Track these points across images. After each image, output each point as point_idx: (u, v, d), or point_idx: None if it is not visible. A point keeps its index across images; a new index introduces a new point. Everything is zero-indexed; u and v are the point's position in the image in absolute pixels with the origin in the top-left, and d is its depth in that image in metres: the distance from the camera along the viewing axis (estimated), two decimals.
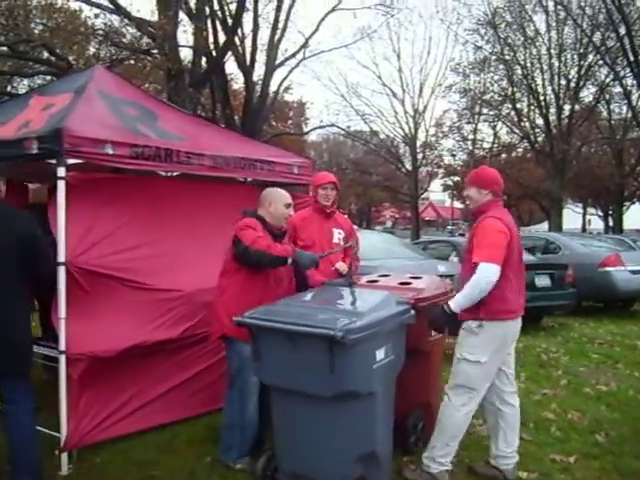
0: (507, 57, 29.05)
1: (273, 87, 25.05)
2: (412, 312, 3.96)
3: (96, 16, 15.31)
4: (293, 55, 23.43)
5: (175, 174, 5.33)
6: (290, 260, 4.21)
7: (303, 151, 41.83)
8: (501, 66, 29.86)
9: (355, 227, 6.78)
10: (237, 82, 25.90)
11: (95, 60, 16.46)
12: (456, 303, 3.96)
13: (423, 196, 49.08)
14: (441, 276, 7.56)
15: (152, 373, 4.86)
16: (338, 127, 34.24)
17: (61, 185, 4.27)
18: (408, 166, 37.72)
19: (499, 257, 3.90)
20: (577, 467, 4.46)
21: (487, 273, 3.84)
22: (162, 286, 4.92)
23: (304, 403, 3.56)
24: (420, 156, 37.38)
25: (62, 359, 4.29)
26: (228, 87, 20.87)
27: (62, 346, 4.28)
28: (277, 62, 22.50)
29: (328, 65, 61.36)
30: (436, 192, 54.16)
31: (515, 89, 29.87)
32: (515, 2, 27.96)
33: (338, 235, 5.50)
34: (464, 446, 4.73)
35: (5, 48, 14.55)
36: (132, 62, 17.29)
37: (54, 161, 4.28)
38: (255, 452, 4.29)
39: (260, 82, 22.22)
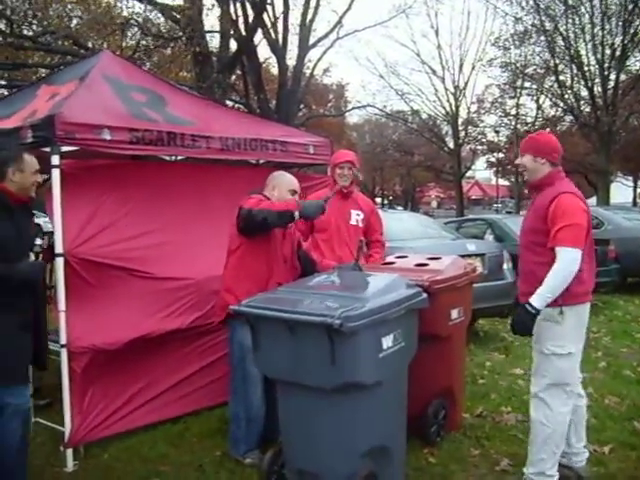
0: (548, 28, 28.11)
1: (310, 70, 24.90)
2: (424, 295, 3.69)
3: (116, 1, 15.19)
4: (326, 35, 23.04)
5: (180, 158, 5.14)
6: (297, 213, 3.92)
7: (344, 133, 41.65)
8: (542, 37, 28.84)
9: (398, 208, 6.45)
10: (274, 66, 25.70)
11: (130, 51, 16.54)
12: (540, 298, 3.47)
13: (468, 175, 48.49)
14: (470, 255, 7.35)
15: (162, 364, 4.70)
16: (375, 107, 33.85)
17: (56, 174, 4.13)
18: (450, 145, 37.11)
19: (582, 240, 3.49)
20: (612, 458, 4.13)
21: (572, 260, 3.44)
22: (169, 274, 4.76)
23: (306, 395, 3.33)
24: (462, 134, 36.69)
25: (64, 353, 4.15)
26: (262, 71, 20.61)
27: (63, 339, 4.14)
28: (310, 43, 22.14)
29: (365, 45, 60.40)
30: (480, 170, 53.43)
31: (557, 61, 28.83)
32: None
33: (356, 217, 5.24)
34: (489, 436, 4.47)
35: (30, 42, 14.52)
36: (166, 51, 17.27)
37: (48, 149, 4.13)
38: (266, 445, 4.09)
39: (294, 64, 21.94)
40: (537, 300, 3.48)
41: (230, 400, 4.21)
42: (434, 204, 68.30)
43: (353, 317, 3.09)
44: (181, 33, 13.89)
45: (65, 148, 4.21)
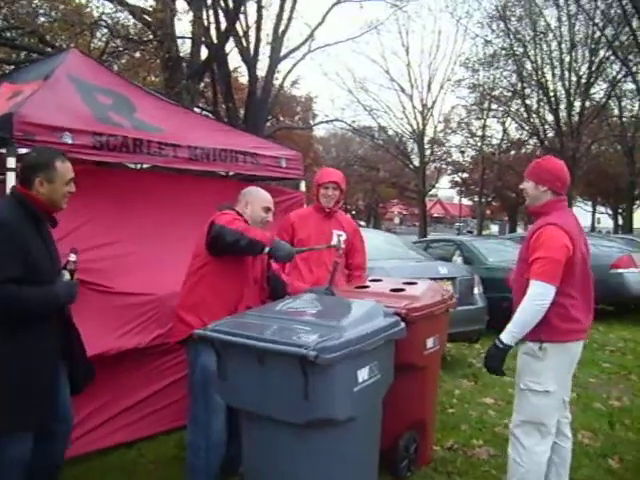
0: (517, 52, 28.42)
1: (279, 81, 24.71)
2: (402, 325, 3.47)
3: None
4: (298, 47, 22.93)
5: (146, 166, 4.88)
6: (267, 249, 3.65)
7: (311, 146, 41.47)
8: (511, 61, 29.23)
9: (362, 225, 6.25)
10: (243, 75, 25.48)
11: (98, 52, 16.19)
12: (509, 335, 3.36)
13: (431, 193, 48.74)
14: (442, 278, 7.18)
15: (117, 385, 4.40)
16: (343, 122, 33.73)
17: (11, 177, 3.83)
18: (416, 162, 37.22)
19: (555, 275, 3.32)
20: None
21: (540, 294, 3.30)
22: (129, 289, 4.47)
23: (274, 429, 3.08)
24: (428, 152, 36.91)
25: None
26: (231, 80, 20.36)
27: None
28: (282, 54, 21.98)
29: (335, 59, 60.54)
30: (444, 189, 53.74)
31: (525, 85, 29.28)
32: None
33: (338, 237, 5.01)
34: (461, 471, 4.27)
35: None
36: (134, 54, 16.98)
37: (4, 150, 3.84)
38: (229, 473, 3.84)
39: (264, 75, 21.73)
40: (505, 335, 3.39)
41: (189, 428, 3.89)
42: (397, 220, 68.73)
43: (330, 348, 2.85)
44: (152, 36, 13.55)
45: (24, 150, 3.91)
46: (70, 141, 4.09)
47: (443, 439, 4.82)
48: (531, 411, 3.47)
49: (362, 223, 55.28)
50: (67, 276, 3.22)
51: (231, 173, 5.49)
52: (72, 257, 3.27)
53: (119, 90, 5.26)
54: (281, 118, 34.82)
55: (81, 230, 4.27)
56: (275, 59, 21.32)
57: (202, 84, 20.50)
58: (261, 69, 21.82)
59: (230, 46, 19.10)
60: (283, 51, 22.11)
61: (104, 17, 15.41)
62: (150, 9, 13.49)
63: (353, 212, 62.72)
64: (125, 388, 4.44)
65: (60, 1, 16.48)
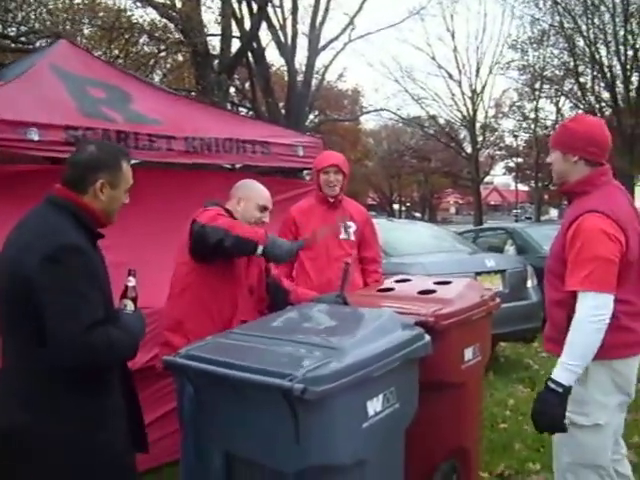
0: (568, 28, 27.08)
1: (321, 74, 24.11)
2: (426, 339, 2.79)
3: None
4: (337, 37, 22.26)
5: (135, 162, 4.30)
6: (261, 248, 2.98)
7: (359, 140, 40.77)
8: (561, 38, 27.88)
9: (416, 217, 5.55)
10: (282, 70, 25.00)
11: (138, 56, 16.05)
12: (566, 370, 2.54)
13: (486, 180, 47.55)
14: (489, 272, 6.45)
15: None
16: (389, 111, 33.01)
17: None
18: (468, 150, 36.18)
19: (610, 281, 2.54)
20: None
21: (595, 308, 2.50)
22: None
23: (262, 476, 2.47)
24: (480, 139, 35.78)
25: None
26: (270, 75, 19.85)
27: None
28: (320, 45, 21.36)
29: (379, 48, 59.42)
30: (499, 175, 52.34)
31: (578, 62, 27.83)
32: None
33: (347, 229, 4.38)
34: None
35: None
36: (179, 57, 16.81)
37: None
38: None
39: (304, 68, 21.19)
40: (561, 373, 2.55)
41: (181, 460, 3.30)
42: (452, 210, 67.56)
43: (323, 378, 2.21)
44: (178, 34, 13.13)
45: None
46: (36, 137, 3.58)
47: (492, 463, 4.12)
48: (579, 452, 2.70)
49: (417, 215, 54.49)
50: (131, 306, 2.50)
51: (238, 165, 4.87)
52: (131, 281, 2.55)
53: (113, 82, 4.78)
54: (328, 112, 34.26)
55: None
56: (314, 51, 20.72)
57: (238, 81, 20.18)
58: (301, 64, 21.34)
59: (267, 39, 18.65)
60: (322, 42, 21.50)
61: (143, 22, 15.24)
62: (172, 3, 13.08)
63: (408, 204, 61.90)
64: None
65: (101, 9, 16.49)
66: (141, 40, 17.19)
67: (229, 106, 17.04)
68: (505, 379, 6.16)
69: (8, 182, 3.59)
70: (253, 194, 3.38)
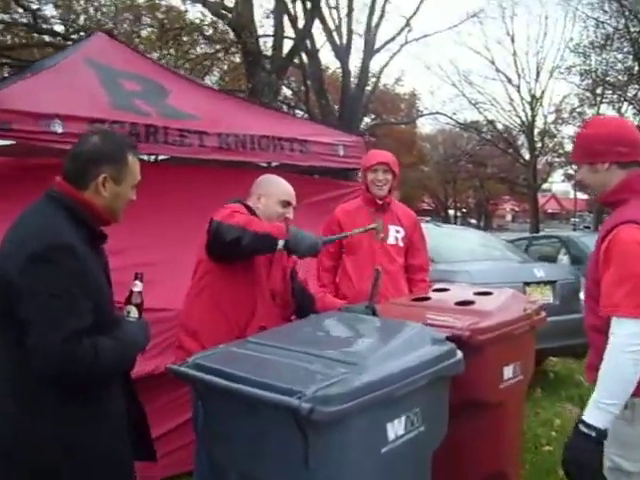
0: (633, 32, 26.19)
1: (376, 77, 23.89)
2: (458, 356, 2.54)
3: None
4: (393, 39, 21.96)
5: (163, 158, 4.18)
6: (282, 243, 2.78)
7: (414, 144, 40.35)
8: (626, 43, 27.01)
9: (472, 223, 5.26)
10: (332, 71, 24.95)
11: (193, 57, 16.21)
12: (599, 410, 2.15)
13: (545, 187, 46.52)
14: (539, 283, 6.13)
15: None
16: (444, 115, 32.47)
17: None
18: (526, 156, 35.34)
19: None
20: None
21: (632, 336, 2.11)
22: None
23: None
24: (539, 145, 34.93)
25: None
26: (323, 76, 19.71)
27: None
28: (376, 47, 21.12)
29: (436, 52, 58.59)
30: (558, 183, 51.20)
31: None
32: None
33: (395, 234, 4.15)
34: None
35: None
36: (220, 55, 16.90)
37: None
38: None
39: (359, 70, 20.99)
40: (592, 412, 2.16)
41: (195, 473, 3.12)
42: (508, 217, 66.45)
43: (336, 397, 1.99)
44: (232, 34, 13.10)
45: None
46: (60, 130, 3.46)
47: None
48: None
49: (472, 221, 53.68)
50: (134, 313, 2.29)
51: (275, 164, 4.69)
52: (137, 286, 2.31)
53: (151, 75, 4.70)
54: (384, 116, 33.99)
55: None
56: (369, 52, 20.47)
57: (294, 83, 20.16)
58: (356, 66, 21.16)
59: (320, 40, 18.52)
60: (378, 45, 21.27)
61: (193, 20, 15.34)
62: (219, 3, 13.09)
63: (463, 210, 61.09)
64: None
65: (161, 11, 16.74)
66: (196, 41, 17.37)
67: (285, 108, 17.05)
68: (553, 397, 5.81)
69: (30, 174, 3.47)
70: (274, 189, 3.18)
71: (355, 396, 2.03)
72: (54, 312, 1.93)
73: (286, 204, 3.15)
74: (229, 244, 2.76)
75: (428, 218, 43.64)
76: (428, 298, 3.49)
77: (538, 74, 33.18)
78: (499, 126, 35.31)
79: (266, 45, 15.84)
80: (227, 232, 2.76)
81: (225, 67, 20.67)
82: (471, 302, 3.31)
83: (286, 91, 26.40)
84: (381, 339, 2.55)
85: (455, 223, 49.23)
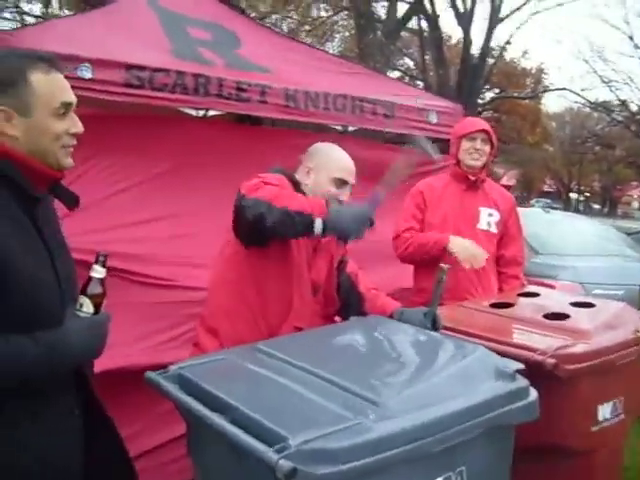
0: None
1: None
2: (531, 396, 1.86)
3: None
4: (519, 7, 20.53)
5: (214, 114, 3.65)
6: (319, 223, 2.08)
7: (539, 121, 38.42)
8: None
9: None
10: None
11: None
12: None
13: None
14: None
15: (136, 419, 3.04)
16: (572, 91, 30.51)
17: None
18: None
19: None
20: None
21: None
22: (187, 282, 3.25)
23: None
24: None
25: None
26: (443, 45, 18.74)
27: None
28: (501, 16, 19.83)
29: (567, 26, 55.44)
30: None
31: None
32: None
33: (488, 218, 3.48)
34: None
35: None
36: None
37: None
38: None
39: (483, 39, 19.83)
40: None
41: None
42: (635, 205, 62.79)
43: (334, 453, 1.41)
44: None
45: None
46: (89, 75, 2.97)
47: None
48: None
49: (596, 207, 50.99)
50: (88, 307, 1.67)
51: (351, 128, 4.07)
52: (97, 272, 1.69)
53: (226, 24, 4.21)
54: (508, 91, 32.43)
55: (112, 200, 3.16)
56: (494, 20, 19.22)
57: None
58: (478, 35, 20.05)
59: (443, 6, 17.57)
60: (504, 13, 19.97)
61: None
62: None
63: (587, 194, 58.23)
64: (148, 423, 3.16)
65: None
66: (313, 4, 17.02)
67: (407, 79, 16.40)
68: None
69: None
70: (328, 163, 2.50)
71: (365, 453, 1.45)
72: None
73: (341, 183, 2.47)
74: (252, 223, 2.16)
75: (548, 201, 41.76)
76: (511, 305, 2.81)
77: None
78: (632, 107, 32.93)
79: (382, 9, 15.17)
80: (250, 208, 2.14)
81: (347, 34, 20.13)
82: (565, 316, 2.61)
83: (408, 62, 25.61)
84: (424, 366, 1.90)
85: (577, 207, 46.92)
